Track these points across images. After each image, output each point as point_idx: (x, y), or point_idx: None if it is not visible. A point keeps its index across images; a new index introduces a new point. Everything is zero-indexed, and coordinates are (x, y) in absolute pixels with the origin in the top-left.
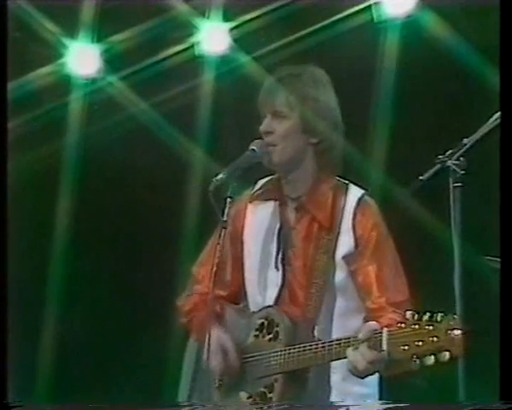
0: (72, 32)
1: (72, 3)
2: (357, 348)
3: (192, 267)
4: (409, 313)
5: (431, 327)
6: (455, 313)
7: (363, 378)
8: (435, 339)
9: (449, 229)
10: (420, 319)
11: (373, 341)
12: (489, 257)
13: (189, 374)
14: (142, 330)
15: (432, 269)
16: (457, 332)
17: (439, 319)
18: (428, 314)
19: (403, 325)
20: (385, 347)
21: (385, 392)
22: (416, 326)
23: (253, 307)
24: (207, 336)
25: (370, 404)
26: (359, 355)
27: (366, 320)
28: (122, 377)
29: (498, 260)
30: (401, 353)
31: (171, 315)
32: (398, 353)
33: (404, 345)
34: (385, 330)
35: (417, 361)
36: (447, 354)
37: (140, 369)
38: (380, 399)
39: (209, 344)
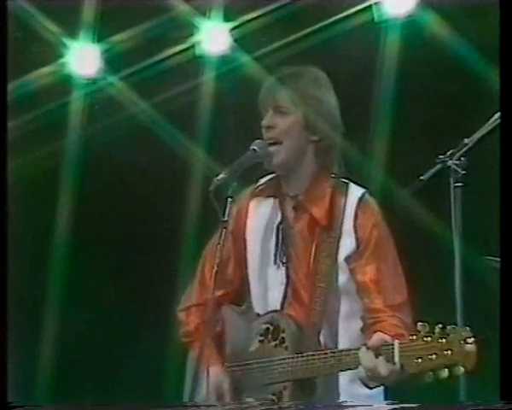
0: (72, 31)
1: (73, 3)
2: (370, 360)
3: (194, 265)
4: (420, 325)
5: (444, 340)
6: (467, 325)
7: (371, 389)
8: (449, 352)
9: (449, 228)
10: (432, 331)
11: (385, 353)
12: (489, 257)
13: (194, 377)
14: (143, 329)
15: (433, 268)
16: (470, 344)
17: (450, 330)
18: (440, 326)
19: (414, 337)
20: (397, 359)
21: (390, 394)
22: (429, 339)
23: (257, 308)
24: (206, 370)
25: (376, 404)
26: (372, 365)
27: (363, 319)
28: (122, 376)
29: (498, 259)
30: (414, 366)
31: (173, 314)
32: (411, 366)
33: (417, 358)
34: (396, 342)
35: (431, 375)
36: (461, 368)
37: (141, 369)
38: (385, 399)
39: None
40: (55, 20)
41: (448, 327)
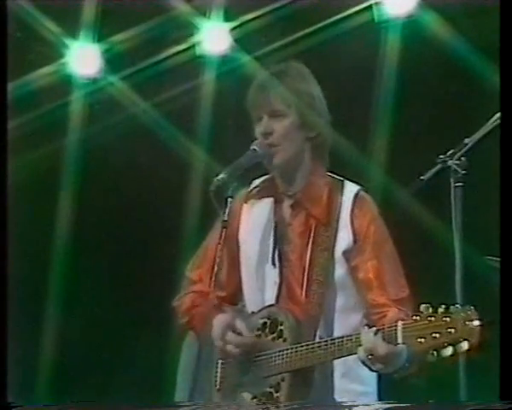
0: (72, 31)
1: (73, 3)
2: (372, 340)
3: (186, 270)
4: (423, 306)
5: (448, 319)
6: (472, 305)
7: (374, 372)
8: (453, 331)
9: (450, 228)
10: (435, 311)
11: (388, 334)
12: (489, 257)
13: (188, 376)
14: (143, 329)
15: (433, 268)
16: (475, 323)
17: (454, 310)
18: (444, 306)
19: (418, 318)
20: (400, 340)
21: (384, 390)
22: (432, 318)
23: (251, 307)
24: (212, 327)
25: (372, 403)
26: (376, 345)
27: (368, 316)
28: (122, 376)
29: (498, 259)
30: (417, 345)
31: (171, 315)
32: (414, 345)
33: (420, 337)
34: (399, 322)
35: (434, 354)
36: (465, 343)
37: (140, 369)
38: (379, 397)
39: (215, 332)
40: (55, 20)
41: (451, 307)
